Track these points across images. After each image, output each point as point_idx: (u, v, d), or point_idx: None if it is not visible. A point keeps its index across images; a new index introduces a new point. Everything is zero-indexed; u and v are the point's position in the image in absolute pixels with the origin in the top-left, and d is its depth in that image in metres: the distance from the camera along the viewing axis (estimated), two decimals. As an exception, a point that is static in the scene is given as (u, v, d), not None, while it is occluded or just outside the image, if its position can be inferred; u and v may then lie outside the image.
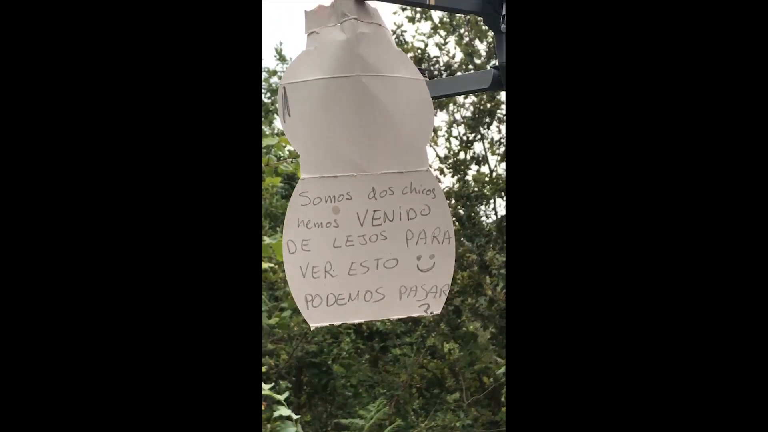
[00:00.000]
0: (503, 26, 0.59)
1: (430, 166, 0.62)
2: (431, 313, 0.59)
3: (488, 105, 3.00)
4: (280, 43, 4.35)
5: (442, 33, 3.08)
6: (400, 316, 0.60)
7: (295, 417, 1.69)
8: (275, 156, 1.94)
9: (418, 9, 2.98)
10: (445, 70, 3.01)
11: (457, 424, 2.84)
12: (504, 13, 0.58)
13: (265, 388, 1.67)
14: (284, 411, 1.70)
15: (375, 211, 0.58)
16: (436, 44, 3.08)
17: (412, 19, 3.06)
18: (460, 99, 3.08)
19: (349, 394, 3.05)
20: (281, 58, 3.68)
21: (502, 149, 3.12)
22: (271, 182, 2.01)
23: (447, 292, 0.59)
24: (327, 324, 0.58)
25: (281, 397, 1.68)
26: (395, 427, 2.79)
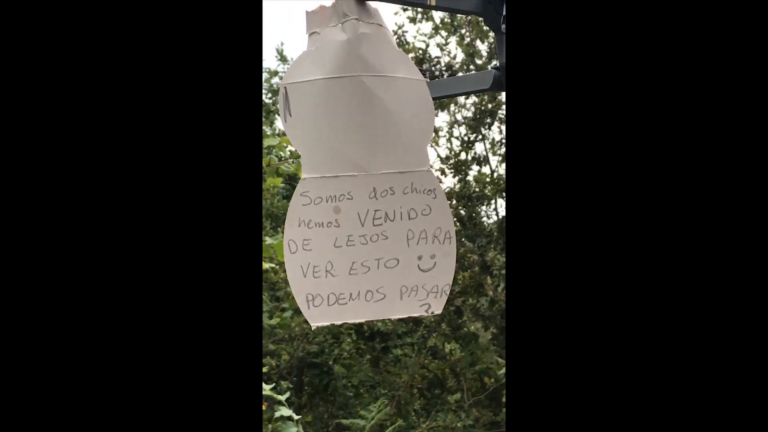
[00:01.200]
0: (504, 26, 0.59)
1: (431, 167, 0.62)
2: (432, 312, 0.59)
3: (489, 105, 3.00)
4: (282, 44, 4.36)
5: (443, 33, 3.08)
6: (401, 316, 0.60)
7: (296, 417, 1.69)
8: (276, 156, 1.95)
9: (419, 9, 2.98)
10: (446, 71, 3.01)
11: (458, 425, 2.84)
12: (505, 13, 0.58)
13: (266, 388, 1.67)
14: (285, 411, 1.71)
15: (376, 210, 0.58)
16: (437, 45, 3.08)
17: (413, 20, 3.07)
18: (461, 99, 3.08)
19: (350, 394, 3.05)
20: (282, 59, 3.69)
21: (503, 150, 3.12)
22: (272, 183, 2.02)
23: (448, 292, 0.59)
24: (328, 323, 0.58)
25: (282, 398, 1.68)
26: (396, 428, 2.80)
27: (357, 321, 0.62)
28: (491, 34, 2.94)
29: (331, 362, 3.02)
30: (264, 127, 3.06)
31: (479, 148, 3.18)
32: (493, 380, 2.97)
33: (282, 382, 2.82)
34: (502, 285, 2.92)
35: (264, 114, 3.20)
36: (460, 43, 3.04)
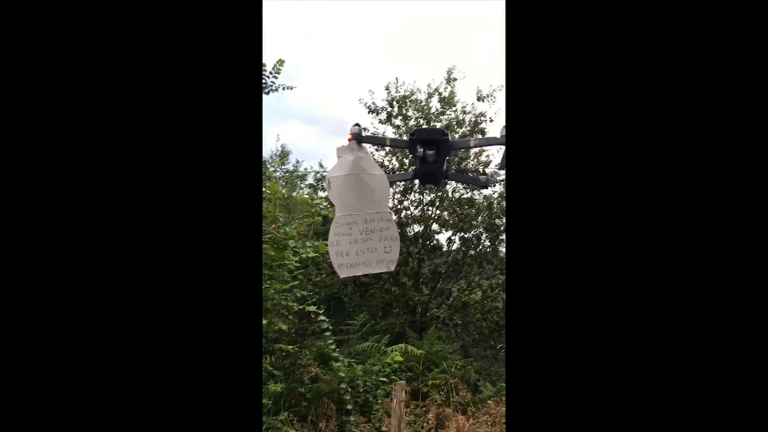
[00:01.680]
0: (419, 151, 1.43)
1: (389, 209, 1.40)
2: (390, 269, 1.41)
3: (409, 184, 6.99)
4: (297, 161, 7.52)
5: (391, 153, 7.10)
6: (378, 272, 1.42)
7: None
8: (321, 216, 5.77)
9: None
10: (392, 171, 7.01)
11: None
12: (419, 148, 1.43)
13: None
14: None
15: (366, 228, 1.37)
16: (387, 159, 7.11)
17: (377, 150, 7.10)
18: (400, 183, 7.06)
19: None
20: (284, 154, 7.61)
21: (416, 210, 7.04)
22: (317, 219, 5.88)
23: (396, 261, 1.41)
24: (347, 276, 1.38)
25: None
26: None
27: (359, 274, 1.43)
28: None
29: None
30: (322, 193, 7.05)
31: (406, 203, 7.18)
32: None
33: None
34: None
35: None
36: (398, 159, 7.06)
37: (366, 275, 6.60)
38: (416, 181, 1.56)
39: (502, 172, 6.47)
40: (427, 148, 1.42)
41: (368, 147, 1.48)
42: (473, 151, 6.79)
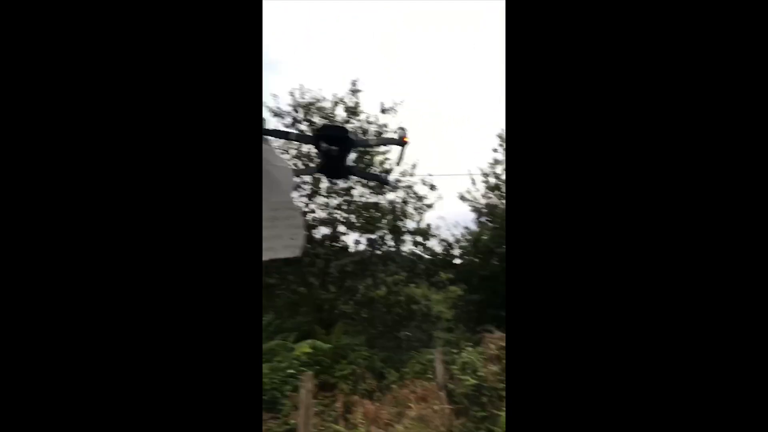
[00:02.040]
0: (323, 146, 1.49)
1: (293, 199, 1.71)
2: (296, 254, 1.35)
3: (316, 188, 7.20)
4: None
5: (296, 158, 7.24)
6: (284, 257, 1.38)
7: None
8: None
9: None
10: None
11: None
12: (324, 143, 1.46)
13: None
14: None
15: (272, 215, 1.29)
16: (294, 164, 7.24)
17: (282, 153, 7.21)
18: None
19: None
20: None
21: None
22: None
23: (302, 248, 1.35)
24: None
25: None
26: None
27: (265, 260, 1.17)
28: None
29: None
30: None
31: (312, 206, 7.38)
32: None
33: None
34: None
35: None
36: (303, 163, 7.23)
37: (271, 275, 6.59)
38: (322, 185, 1.71)
39: (405, 178, 7.13)
40: (331, 144, 1.50)
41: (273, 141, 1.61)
42: (377, 159, 7.24)
